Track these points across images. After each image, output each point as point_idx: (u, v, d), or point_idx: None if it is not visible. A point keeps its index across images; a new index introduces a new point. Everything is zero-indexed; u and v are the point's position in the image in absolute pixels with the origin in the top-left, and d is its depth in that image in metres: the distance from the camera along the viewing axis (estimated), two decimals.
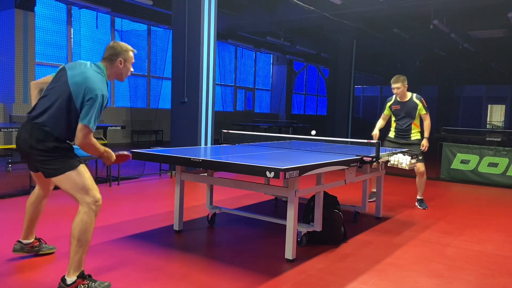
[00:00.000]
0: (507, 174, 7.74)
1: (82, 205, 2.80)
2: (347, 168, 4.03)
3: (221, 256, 3.65)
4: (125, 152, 3.26)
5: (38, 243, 3.43)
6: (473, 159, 8.08)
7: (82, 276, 2.78)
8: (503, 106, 25.30)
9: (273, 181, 4.73)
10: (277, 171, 2.99)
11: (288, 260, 3.50)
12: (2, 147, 9.12)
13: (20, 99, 10.60)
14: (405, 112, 5.71)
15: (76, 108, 2.78)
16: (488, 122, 25.39)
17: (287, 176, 3.02)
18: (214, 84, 8.26)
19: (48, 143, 2.79)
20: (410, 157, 4.66)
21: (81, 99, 2.77)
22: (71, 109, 2.79)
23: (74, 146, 2.96)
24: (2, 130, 6.64)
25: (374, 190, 5.89)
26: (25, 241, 3.36)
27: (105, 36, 13.74)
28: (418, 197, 5.88)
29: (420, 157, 5.57)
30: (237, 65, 19.75)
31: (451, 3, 11.48)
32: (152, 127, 14.76)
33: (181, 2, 8.03)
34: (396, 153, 4.75)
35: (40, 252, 3.43)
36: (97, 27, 13.25)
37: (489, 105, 25.67)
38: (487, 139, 10.78)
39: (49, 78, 3.04)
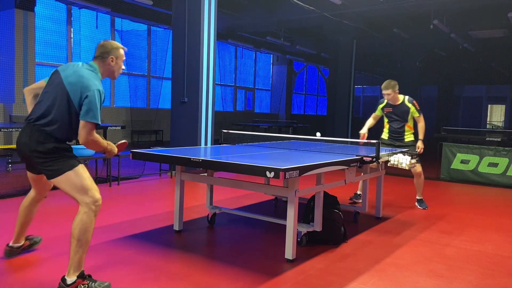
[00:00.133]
0: (507, 174, 7.74)
1: (82, 205, 2.81)
2: (347, 168, 4.03)
3: (221, 256, 3.65)
4: (122, 140, 3.29)
5: (28, 242, 3.45)
6: (473, 159, 8.08)
7: (82, 276, 2.78)
8: (503, 106, 25.29)
9: (273, 181, 4.73)
10: (277, 171, 2.99)
11: (288, 260, 3.50)
12: (2, 147, 9.12)
13: (20, 99, 10.60)
14: (397, 115, 5.71)
15: (75, 107, 2.81)
16: (488, 122, 25.38)
17: (287, 176, 3.02)
18: (214, 84, 8.26)
19: (48, 144, 2.80)
20: (410, 157, 4.66)
21: (79, 98, 2.79)
22: (71, 109, 2.81)
23: (73, 146, 2.96)
24: (2, 130, 6.64)
25: (360, 192, 5.89)
26: (16, 245, 3.37)
27: (105, 36, 13.74)
28: (418, 197, 5.88)
29: (416, 158, 5.57)
30: (237, 65, 19.75)
31: (451, 3, 11.48)
32: (152, 127, 14.76)
33: (181, 2, 8.03)
34: (396, 153, 4.76)
35: (33, 247, 3.48)
36: (97, 27, 13.25)
37: (489, 105, 25.66)
38: (487, 139, 10.78)
39: (42, 83, 3.07)
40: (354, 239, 4.22)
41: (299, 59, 22.22)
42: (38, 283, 2.93)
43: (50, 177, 2.86)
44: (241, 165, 3.27)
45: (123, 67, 3.12)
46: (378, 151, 4.15)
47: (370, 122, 5.88)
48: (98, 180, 6.73)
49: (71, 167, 2.84)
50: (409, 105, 5.68)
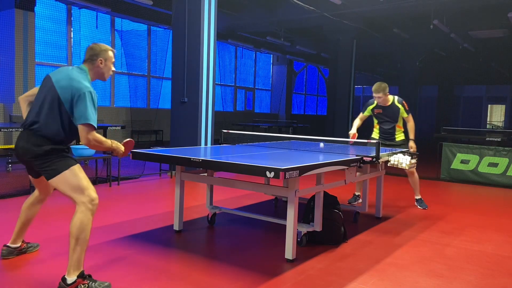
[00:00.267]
0: (507, 174, 7.74)
1: (79, 205, 2.84)
2: (347, 168, 4.03)
3: (221, 256, 3.65)
4: (128, 139, 3.31)
5: (25, 244, 3.46)
6: (473, 159, 8.08)
7: (82, 276, 2.79)
8: (503, 106, 25.29)
9: (273, 181, 4.73)
10: (277, 171, 2.99)
11: (288, 260, 3.50)
12: (2, 147, 9.12)
13: None
14: (388, 116, 5.70)
15: (66, 110, 2.87)
16: (488, 122, 25.39)
17: (287, 176, 3.02)
18: (214, 84, 8.26)
19: (45, 147, 2.87)
20: (410, 157, 4.66)
21: (70, 101, 2.85)
22: (62, 111, 2.88)
23: (73, 146, 2.99)
24: (2, 130, 6.64)
25: (358, 193, 5.88)
26: (13, 245, 3.37)
27: (105, 36, 13.74)
28: (416, 197, 5.87)
29: (416, 158, 5.57)
30: (237, 65, 19.74)
31: (451, 3, 11.48)
32: (152, 127, 14.76)
33: (181, 2, 8.03)
34: (396, 153, 4.76)
35: (27, 252, 3.47)
36: (97, 27, 13.25)
37: (489, 105, 25.67)
38: (487, 139, 10.77)
39: (35, 90, 3.15)
40: (354, 239, 4.22)
41: (299, 59, 22.22)
42: (37, 283, 2.93)
43: (48, 177, 2.90)
44: (241, 165, 3.27)
45: (113, 68, 3.17)
46: (378, 151, 4.15)
47: (357, 123, 5.81)
48: (98, 180, 6.73)
49: (68, 166, 2.89)
50: (399, 105, 5.67)
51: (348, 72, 15.37)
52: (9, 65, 10.55)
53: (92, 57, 3.04)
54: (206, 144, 8.11)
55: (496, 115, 25.73)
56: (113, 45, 14.04)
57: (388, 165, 4.75)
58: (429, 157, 8.95)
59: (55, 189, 3.35)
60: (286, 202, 4.40)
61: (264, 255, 3.68)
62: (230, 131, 5.32)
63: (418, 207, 5.77)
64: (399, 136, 5.76)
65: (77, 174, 2.89)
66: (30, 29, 10.91)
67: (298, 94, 24.42)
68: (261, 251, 3.80)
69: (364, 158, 4.09)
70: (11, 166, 7.58)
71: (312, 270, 3.35)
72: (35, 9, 11.02)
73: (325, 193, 4.03)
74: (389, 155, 4.66)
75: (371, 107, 5.80)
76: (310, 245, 3.94)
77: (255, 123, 18.22)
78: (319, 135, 5.55)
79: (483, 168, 7.97)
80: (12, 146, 9.01)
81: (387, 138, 5.76)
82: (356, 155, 4.14)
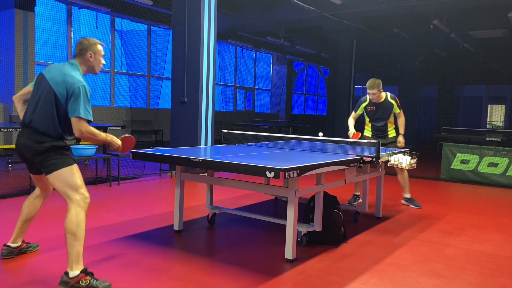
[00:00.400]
0: (507, 174, 7.74)
1: (72, 202, 2.95)
2: (347, 168, 4.03)
3: (221, 256, 3.65)
4: (127, 134, 3.36)
5: (25, 244, 3.47)
6: (473, 159, 8.08)
7: (85, 272, 2.86)
8: (503, 106, 25.30)
9: (273, 181, 4.73)
10: (277, 171, 2.99)
11: (288, 260, 3.50)
12: (2, 147, 9.13)
13: None
14: (381, 112, 5.69)
15: (62, 104, 2.96)
16: (488, 122, 25.39)
17: (287, 176, 3.02)
18: (214, 84, 8.26)
19: (45, 144, 2.96)
20: (410, 157, 4.66)
21: (65, 95, 2.95)
22: (58, 106, 2.97)
23: (73, 146, 3.03)
24: (2, 130, 6.64)
25: (358, 193, 5.87)
26: (13, 245, 3.38)
27: (105, 36, 13.74)
28: (406, 196, 5.82)
29: (416, 158, 5.57)
30: (237, 65, 19.75)
31: (451, 3, 11.47)
32: (152, 127, 14.76)
33: (181, 2, 8.03)
34: (396, 153, 4.76)
35: (27, 252, 3.48)
36: (97, 27, 13.25)
37: (489, 105, 25.67)
38: (487, 139, 10.77)
39: (29, 88, 3.24)
40: (354, 239, 4.22)
41: (299, 59, 22.22)
42: (37, 283, 2.93)
43: (47, 172, 2.99)
44: (241, 165, 3.27)
45: (103, 61, 3.26)
46: (378, 151, 4.15)
47: (353, 122, 5.83)
48: (98, 180, 6.73)
49: (67, 164, 2.99)
50: (392, 101, 5.67)
51: (348, 72, 15.36)
52: (9, 65, 10.55)
53: (81, 51, 3.13)
54: (206, 144, 8.11)
55: (496, 115, 25.74)
56: (113, 45, 14.05)
57: (388, 165, 4.74)
58: (429, 157, 8.95)
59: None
60: (286, 202, 4.40)
61: (264, 255, 3.68)
62: (230, 131, 5.32)
63: (412, 206, 5.75)
64: (392, 133, 5.77)
65: (74, 173, 3.00)
66: (30, 29, 10.91)
67: (298, 94, 24.42)
68: (261, 251, 3.80)
69: (364, 158, 4.09)
70: (11, 166, 7.58)
71: (312, 270, 3.35)
72: (35, 9, 11.02)
73: (325, 193, 4.03)
74: (389, 155, 4.66)
75: (364, 104, 5.78)
76: (310, 245, 3.94)
77: (255, 123, 18.22)
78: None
79: (483, 168, 7.97)
80: (12, 146, 9.02)
81: (380, 135, 5.76)
82: (356, 155, 4.14)
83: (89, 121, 2.96)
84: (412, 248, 4.01)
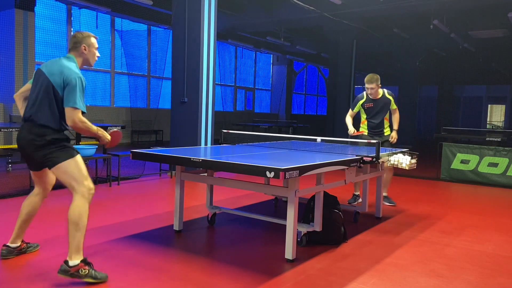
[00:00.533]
0: (507, 174, 7.74)
1: (77, 193, 3.01)
2: (347, 168, 4.03)
3: (221, 256, 3.65)
4: (114, 129, 3.45)
5: (25, 245, 3.47)
6: (473, 159, 8.08)
7: (85, 262, 2.94)
8: (503, 106, 25.29)
9: (273, 181, 4.73)
10: (277, 171, 2.99)
11: (288, 260, 3.50)
12: (2, 147, 9.13)
13: None
14: (379, 109, 5.68)
15: (60, 96, 3.03)
16: (488, 122, 25.38)
17: (287, 176, 3.02)
18: (214, 84, 8.26)
19: (47, 136, 3.02)
20: (410, 157, 4.66)
21: (62, 86, 3.02)
22: (57, 98, 3.04)
23: (76, 146, 3.06)
24: (2, 130, 6.64)
25: (357, 192, 5.87)
26: (13, 245, 3.38)
27: (105, 36, 13.75)
28: (384, 194, 5.81)
29: (416, 158, 5.57)
30: (237, 65, 19.75)
31: (451, 3, 11.47)
32: (152, 127, 14.76)
33: (181, 2, 8.03)
34: (396, 153, 4.75)
35: (27, 252, 3.48)
36: (97, 27, 13.25)
37: (489, 105, 25.66)
38: (487, 139, 10.77)
39: (28, 85, 3.31)
40: (354, 239, 4.22)
41: (299, 59, 22.22)
42: (37, 283, 2.93)
43: (50, 165, 3.04)
44: (241, 165, 3.27)
45: (98, 54, 3.33)
46: (378, 151, 4.15)
47: (351, 120, 5.83)
48: (98, 180, 6.73)
49: (70, 156, 3.06)
50: (390, 97, 5.67)
51: (348, 72, 15.37)
52: (9, 65, 10.55)
53: (75, 44, 3.20)
54: (206, 144, 8.11)
55: (496, 115, 25.73)
56: (113, 45, 14.05)
57: (388, 165, 4.74)
58: (429, 157, 8.95)
59: (53, 188, 3.41)
60: (286, 202, 4.40)
61: (264, 255, 3.68)
62: (230, 131, 5.32)
63: (387, 204, 5.74)
64: (387, 131, 5.79)
65: (78, 165, 3.07)
66: (30, 29, 10.91)
67: (298, 94, 24.42)
68: (261, 251, 3.80)
69: (364, 158, 4.09)
70: (11, 166, 7.58)
71: (312, 270, 3.35)
72: (35, 9, 11.02)
73: (325, 193, 4.02)
74: (389, 155, 4.66)
75: (361, 102, 5.76)
76: (310, 245, 3.94)
77: (255, 123, 18.22)
78: (319, 135, 5.54)
79: (483, 168, 7.97)
80: (12, 146, 9.01)
81: (376, 133, 5.76)
82: (356, 155, 4.14)
83: (83, 113, 3.03)
84: (412, 248, 4.01)
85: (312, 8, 11.93)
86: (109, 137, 3.30)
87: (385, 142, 5.71)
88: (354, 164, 4.02)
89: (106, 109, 13.54)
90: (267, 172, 3.04)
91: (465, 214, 5.53)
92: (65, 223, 4.10)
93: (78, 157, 3.10)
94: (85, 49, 3.22)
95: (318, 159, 3.75)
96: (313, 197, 3.98)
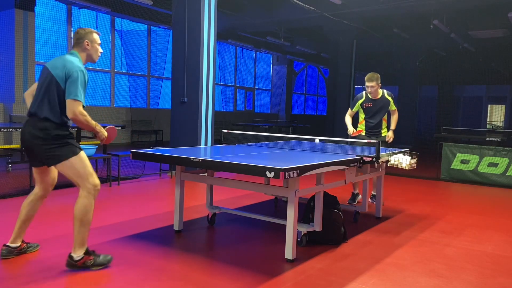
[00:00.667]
0: (507, 174, 7.74)
1: (83, 190, 3.09)
2: (347, 168, 4.03)
3: (221, 256, 3.65)
4: (110, 125, 3.49)
5: (25, 245, 3.48)
6: (473, 159, 8.08)
7: (87, 253, 3.06)
8: (503, 106, 25.28)
9: (273, 181, 4.73)
10: (277, 171, 2.99)
11: (288, 260, 3.50)
12: (2, 147, 9.13)
13: (20, 99, 10.60)
14: (378, 109, 5.67)
15: (63, 89, 3.08)
16: (488, 122, 25.38)
17: (287, 176, 3.02)
18: (214, 84, 8.26)
19: (51, 131, 3.07)
20: (410, 157, 4.66)
21: (64, 79, 3.07)
22: (60, 92, 3.09)
23: (81, 146, 3.10)
24: (2, 130, 6.64)
25: (356, 191, 5.86)
26: (13, 245, 3.39)
27: (105, 36, 13.74)
28: (373, 193, 5.79)
29: (416, 158, 5.56)
30: (237, 65, 19.75)
31: (451, 3, 11.47)
32: (152, 127, 14.76)
33: (181, 2, 8.03)
34: (396, 153, 4.75)
35: (27, 252, 3.49)
36: (97, 27, 13.25)
37: (489, 105, 25.66)
38: (487, 139, 10.77)
39: (36, 84, 3.34)
40: (354, 239, 4.22)
41: (299, 59, 22.22)
42: (37, 283, 2.93)
43: (54, 163, 3.09)
44: (241, 165, 3.27)
45: (101, 50, 3.38)
46: (378, 151, 4.15)
47: (350, 120, 5.82)
48: None
49: (75, 153, 3.11)
50: (389, 98, 5.66)
51: (348, 72, 15.37)
52: (9, 65, 10.55)
53: (78, 40, 3.27)
54: (206, 144, 8.11)
55: (496, 115, 25.73)
56: (113, 45, 14.05)
57: (388, 165, 4.74)
58: (429, 157, 8.95)
59: (53, 188, 3.43)
60: (286, 202, 4.40)
61: (264, 255, 3.68)
62: (230, 131, 5.32)
63: (374, 202, 5.72)
64: (385, 132, 5.78)
65: (83, 161, 3.13)
66: (30, 29, 10.91)
67: (298, 94, 24.42)
68: (261, 251, 3.80)
69: (364, 158, 4.09)
70: (11, 166, 7.58)
71: (312, 270, 3.35)
72: (35, 9, 11.02)
73: (325, 193, 4.03)
74: (389, 155, 4.66)
75: (360, 101, 5.74)
76: (310, 245, 3.94)
77: (255, 123, 18.22)
78: (319, 135, 5.54)
79: (483, 168, 7.97)
80: (12, 146, 9.01)
81: (374, 133, 5.75)
82: (356, 155, 4.14)
83: (83, 106, 3.08)
84: (412, 248, 4.01)
85: (312, 8, 11.93)
86: (106, 133, 3.34)
87: (382, 143, 5.70)
88: (354, 164, 4.02)
89: (106, 109, 13.54)
90: (267, 172, 3.04)
91: (465, 214, 5.53)
92: (65, 223, 4.11)
93: (82, 154, 3.15)
94: (88, 45, 3.27)
95: (318, 159, 3.76)
96: (313, 197, 3.99)
